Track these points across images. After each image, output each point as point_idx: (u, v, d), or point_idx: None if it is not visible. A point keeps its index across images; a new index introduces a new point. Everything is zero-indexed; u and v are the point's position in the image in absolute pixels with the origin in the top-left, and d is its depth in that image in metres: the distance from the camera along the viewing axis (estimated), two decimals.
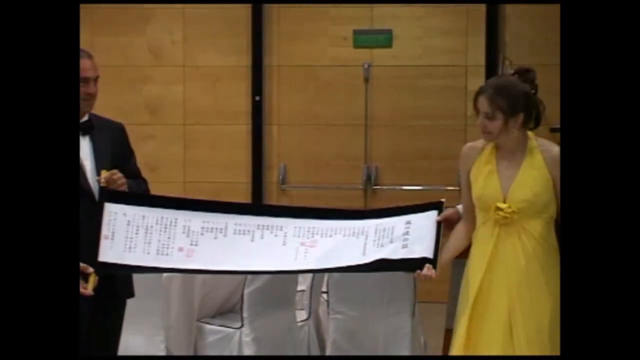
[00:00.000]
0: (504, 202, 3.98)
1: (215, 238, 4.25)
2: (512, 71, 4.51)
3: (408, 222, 4.14)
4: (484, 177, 4.04)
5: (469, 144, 4.25)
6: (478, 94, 4.03)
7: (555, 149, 3.98)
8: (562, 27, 3.19)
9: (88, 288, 4.09)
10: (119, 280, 4.41)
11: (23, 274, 2.86)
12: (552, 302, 3.94)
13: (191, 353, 5.91)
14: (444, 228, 4.12)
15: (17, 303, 2.83)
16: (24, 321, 2.82)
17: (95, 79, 4.34)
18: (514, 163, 4.02)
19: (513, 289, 3.93)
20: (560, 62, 3.29)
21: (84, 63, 4.28)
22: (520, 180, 3.98)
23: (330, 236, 4.25)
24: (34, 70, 2.95)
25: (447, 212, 4.14)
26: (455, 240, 4.17)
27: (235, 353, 5.81)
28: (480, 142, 4.15)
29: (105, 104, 4.68)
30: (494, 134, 3.98)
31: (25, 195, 2.91)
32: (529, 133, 4.00)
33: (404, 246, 4.12)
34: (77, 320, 3.19)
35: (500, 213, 3.98)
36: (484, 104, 3.96)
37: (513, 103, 3.90)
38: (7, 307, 2.81)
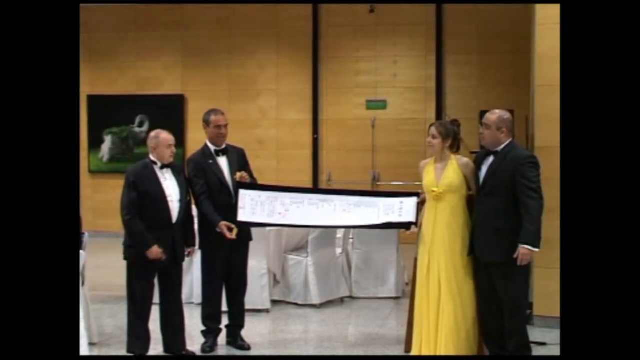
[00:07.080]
0: (437, 187, 4.73)
1: (298, 207, 4.83)
2: (449, 120, 5.53)
3: (401, 202, 4.85)
4: (427, 175, 4.85)
5: (422, 161, 5.02)
6: (431, 126, 4.95)
7: (464, 159, 4.81)
8: (562, 28, 3.17)
9: (233, 235, 4.81)
10: (246, 231, 5.15)
11: (29, 272, 2.65)
12: (459, 236, 4.75)
13: (281, 272, 6.70)
14: (420, 206, 4.82)
15: (21, 298, 2.61)
16: (28, 318, 2.62)
17: (226, 125, 5.07)
18: (442, 167, 4.81)
19: (444, 230, 4.78)
20: (561, 59, 3.42)
21: (219, 117, 5.10)
22: (445, 175, 4.76)
23: (359, 207, 4.83)
24: (35, 70, 2.65)
25: (422, 197, 4.92)
26: (423, 211, 4.87)
27: (303, 273, 6.65)
28: (427, 160, 4.92)
29: (236, 139, 5.44)
30: (436, 148, 4.82)
31: (28, 195, 2.74)
32: (452, 154, 4.83)
33: (400, 215, 4.81)
34: (77, 320, 2.88)
35: (434, 192, 4.73)
36: (433, 130, 4.87)
37: (446, 132, 4.82)
38: (8, 306, 2.55)
